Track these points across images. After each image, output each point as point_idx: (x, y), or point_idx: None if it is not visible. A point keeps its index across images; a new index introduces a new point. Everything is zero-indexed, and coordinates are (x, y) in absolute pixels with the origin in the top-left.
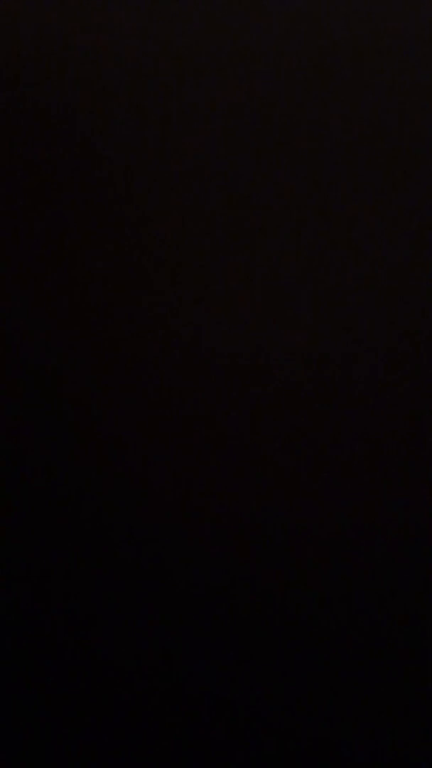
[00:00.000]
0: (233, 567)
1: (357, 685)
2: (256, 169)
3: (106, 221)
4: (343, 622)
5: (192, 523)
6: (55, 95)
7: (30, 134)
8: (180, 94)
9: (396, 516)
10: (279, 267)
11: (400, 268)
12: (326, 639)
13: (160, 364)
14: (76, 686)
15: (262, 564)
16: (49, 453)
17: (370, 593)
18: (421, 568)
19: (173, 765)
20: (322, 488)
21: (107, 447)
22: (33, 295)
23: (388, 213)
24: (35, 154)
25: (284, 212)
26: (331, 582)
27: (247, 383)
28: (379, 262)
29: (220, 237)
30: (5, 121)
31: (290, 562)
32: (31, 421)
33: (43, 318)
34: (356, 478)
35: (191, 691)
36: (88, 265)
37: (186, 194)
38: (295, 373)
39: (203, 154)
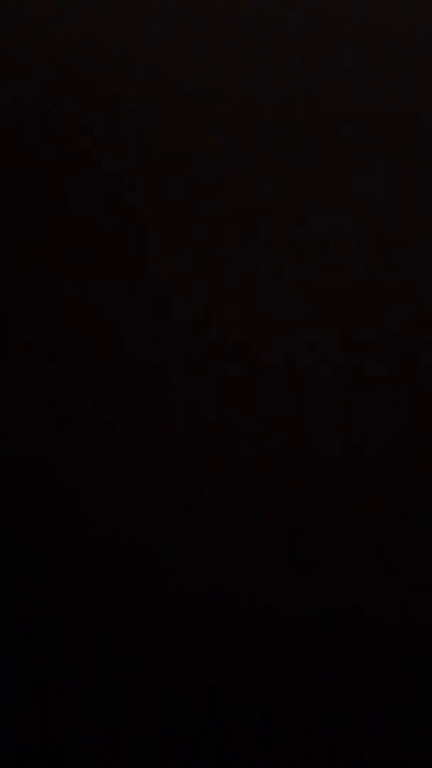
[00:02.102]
0: (233, 564)
1: (357, 687)
2: (256, 168)
3: (107, 222)
4: (343, 623)
5: (191, 521)
6: (54, 94)
7: (30, 129)
8: (181, 93)
9: (396, 516)
10: (279, 266)
11: (401, 266)
12: (326, 640)
13: (160, 362)
14: (76, 687)
15: (261, 562)
16: (48, 447)
17: (371, 594)
18: (422, 569)
19: (172, 764)
20: (322, 485)
21: (107, 444)
22: (33, 293)
23: (389, 213)
24: (35, 149)
25: (284, 209)
26: (331, 583)
27: (246, 382)
28: (379, 261)
29: (221, 235)
30: (6, 120)
31: (290, 559)
32: (30, 415)
33: (43, 315)
34: (356, 477)
35: (191, 692)
36: (88, 261)
37: (186, 191)
38: (294, 374)
39: (204, 151)
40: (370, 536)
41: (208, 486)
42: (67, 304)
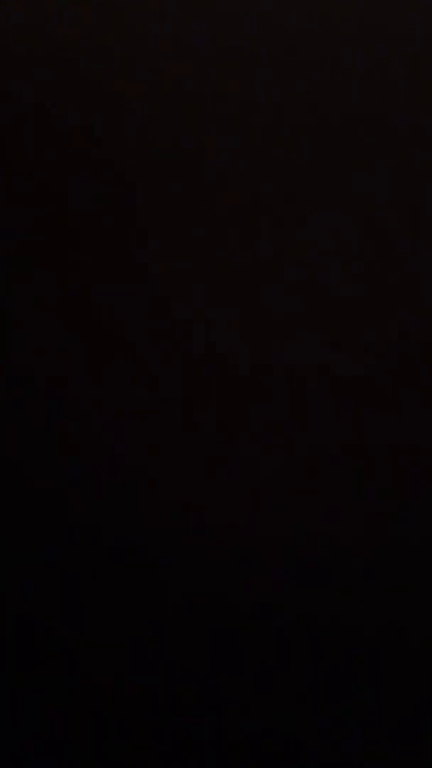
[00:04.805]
0: (232, 576)
1: (357, 699)
2: (256, 169)
3: (107, 222)
4: (343, 633)
5: (190, 519)
6: (54, 94)
7: (30, 130)
8: (181, 93)
9: (397, 525)
10: (279, 266)
11: (401, 266)
12: (326, 650)
13: (160, 362)
14: (75, 696)
15: (261, 574)
16: (47, 447)
17: (370, 600)
18: (423, 580)
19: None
20: (321, 483)
21: (106, 444)
22: (33, 293)
23: (389, 213)
24: (36, 151)
25: (284, 209)
26: (331, 592)
27: (246, 382)
28: (379, 261)
29: (221, 235)
30: (6, 120)
31: (290, 571)
32: (30, 415)
33: (43, 315)
34: (355, 475)
35: (189, 702)
36: (88, 261)
37: (186, 191)
38: (294, 374)
39: (204, 151)
40: (370, 536)
41: (207, 485)
42: (67, 304)
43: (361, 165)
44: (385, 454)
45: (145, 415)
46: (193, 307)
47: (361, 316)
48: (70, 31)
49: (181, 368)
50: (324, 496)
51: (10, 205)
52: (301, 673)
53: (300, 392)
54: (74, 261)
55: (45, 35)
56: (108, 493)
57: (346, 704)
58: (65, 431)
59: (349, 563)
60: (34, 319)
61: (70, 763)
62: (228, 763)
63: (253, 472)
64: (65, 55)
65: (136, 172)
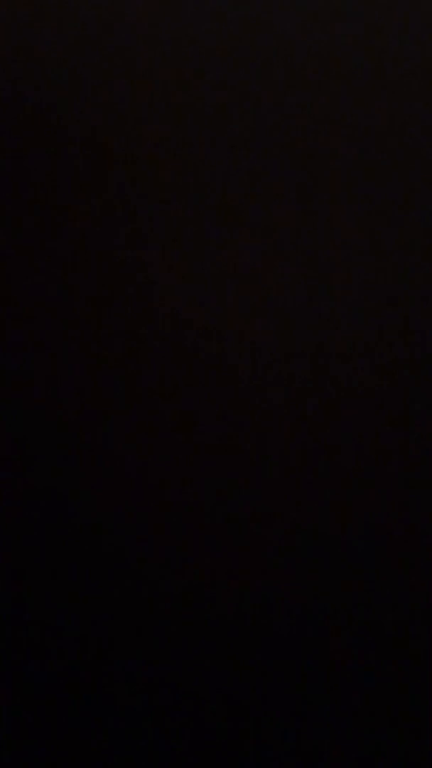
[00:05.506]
0: (232, 576)
1: (357, 703)
2: (256, 168)
3: (107, 222)
4: (343, 634)
5: (189, 515)
6: (54, 93)
7: (27, 123)
8: (181, 92)
9: (395, 521)
10: (279, 266)
11: (400, 267)
12: (326, 650)
13: (159, 362)
14: (75, 696)
15: (261, 574)
16: (47, 453)
17: (370, 601)
18: (421, 577)
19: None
20: (321, 480)
21: (106, 451)
22: (32, 293)
23: (389, 213)
24: (32, 144)
25: (284, 209)
26: (331, 591)
27: (247, 388)
28: (379, 262)
29: (221, 235)
30: (6, 120)
31: (290, 568)
32: (29, 416)
33: (42, 314)
34: (356, 481)
35: (189, 701)
36: (88, 260)
37: (186, 190)
38: (294, 375)
39: (204, 151)
40: (371, 536)
41: (207, 485)
42: (67, 304)
43: (361, 164)
44: (387, 455)
45: (145, 415)
46: (193, 308)
47: (361, 316)
48: (69, 30)
49: (181, 368)
50: (324, 497)
51: (10, 205)
52: (301, 672)
53: (300, 392)
54: (74, 261)
55: (45, 35)
56: (107, 489)
57: (347, 704)
58: (65, 431)
59: (349, 563)
60: (34, 318)
61: (69, 763)
62: (228, 763)
63: (253, 471)
64: (65, 55)
65: (137, 171)
